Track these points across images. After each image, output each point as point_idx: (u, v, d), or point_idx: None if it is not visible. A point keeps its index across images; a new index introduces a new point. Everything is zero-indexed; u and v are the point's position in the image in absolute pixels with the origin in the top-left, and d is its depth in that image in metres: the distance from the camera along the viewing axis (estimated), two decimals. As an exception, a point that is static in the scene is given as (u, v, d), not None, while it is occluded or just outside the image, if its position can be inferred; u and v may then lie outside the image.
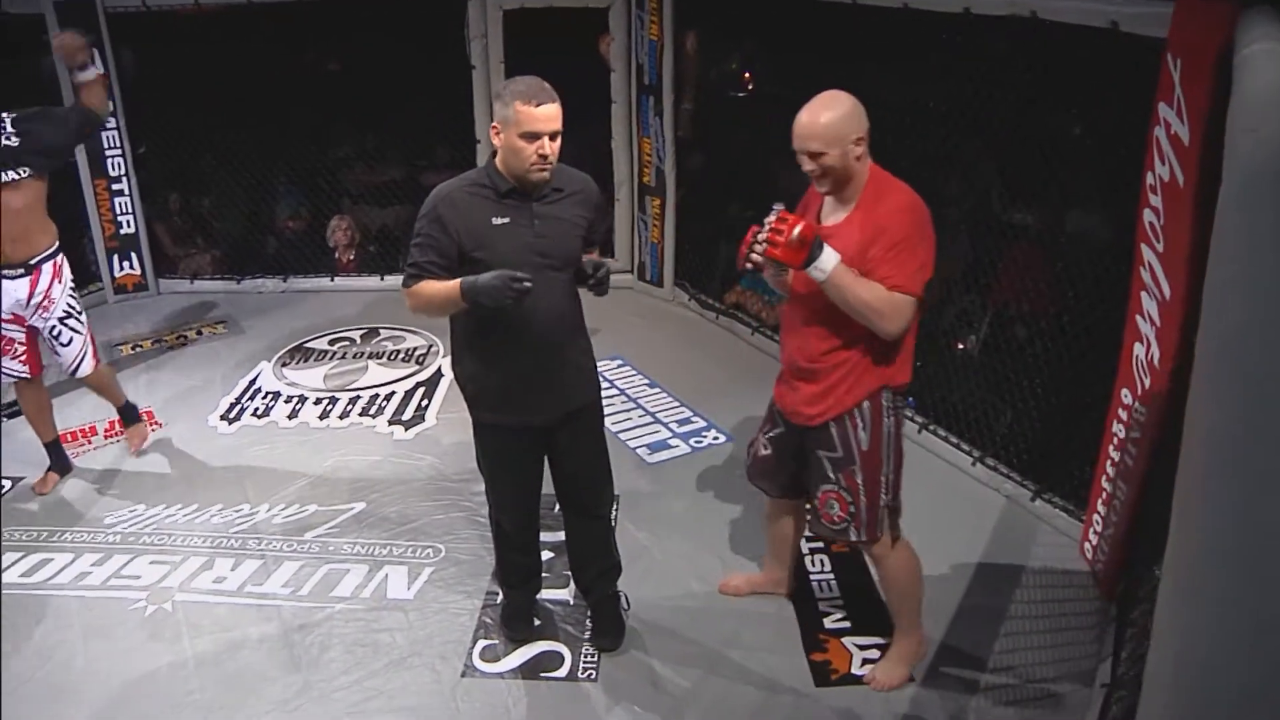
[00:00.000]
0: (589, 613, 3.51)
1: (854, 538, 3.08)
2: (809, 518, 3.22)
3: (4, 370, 4.36)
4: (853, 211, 2.81)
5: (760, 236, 2.79)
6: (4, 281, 4.20)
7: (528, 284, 2.72)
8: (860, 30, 4.54)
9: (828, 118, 2.74)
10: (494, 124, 2.88)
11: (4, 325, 4.28)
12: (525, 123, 2.79)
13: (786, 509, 3.45)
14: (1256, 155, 1.41)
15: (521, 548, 3.42)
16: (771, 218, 2.78)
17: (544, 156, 2.82)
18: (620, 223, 6.55)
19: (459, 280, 2.81)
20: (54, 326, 4.37)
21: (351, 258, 6.84)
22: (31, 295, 4.27)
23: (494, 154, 2.94)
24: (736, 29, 5.73)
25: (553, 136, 2.83)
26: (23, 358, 4.36)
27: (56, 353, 4.43)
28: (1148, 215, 3.18)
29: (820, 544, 3.88)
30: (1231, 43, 2.57)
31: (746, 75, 6.07)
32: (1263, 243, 1.12)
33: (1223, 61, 2.63)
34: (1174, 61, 2.98)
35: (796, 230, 2.70)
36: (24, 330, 4.33)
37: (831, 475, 3.03)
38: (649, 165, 6.20)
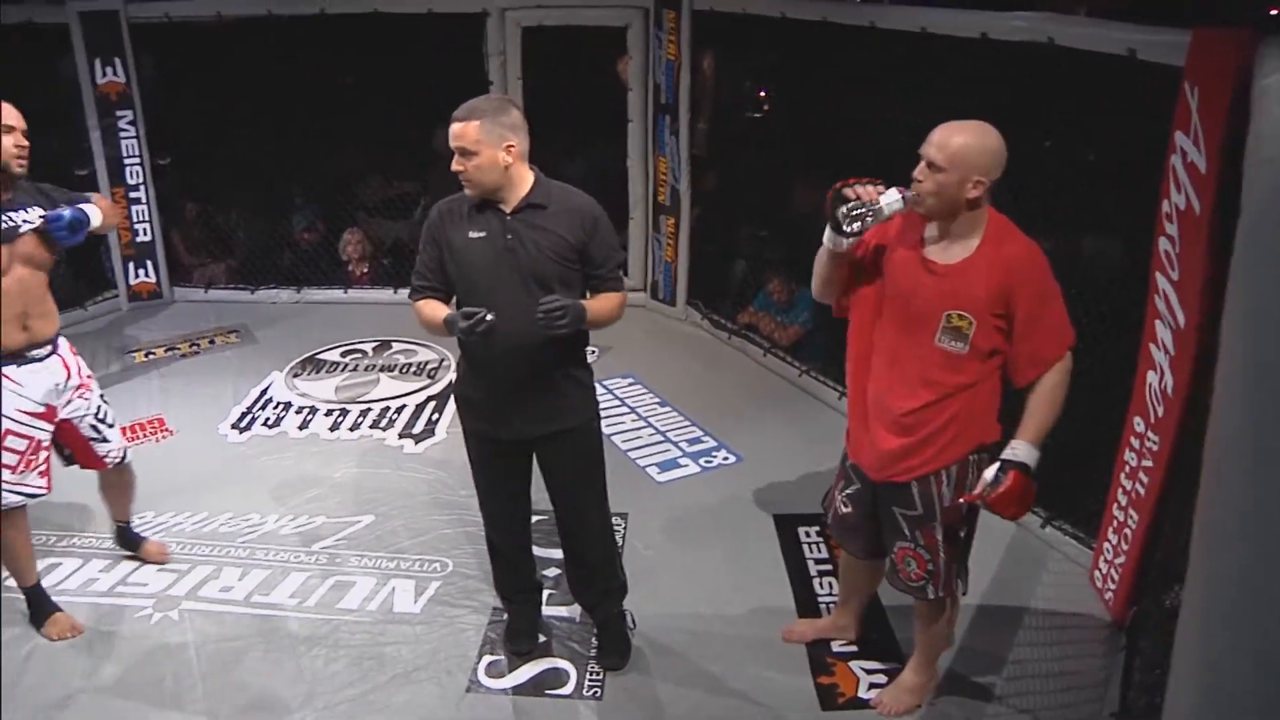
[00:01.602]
0: (595, 631, 3.51)
1: (931, 595, 2.98)
2: (886, 570, 3.08)
3: (9, 492, 3.36)
4: (975, 253, 2.67)
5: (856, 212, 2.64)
6: (32, 367, 3.37)
7: (488, 319, 2.76)
8: (877, 53, 4.56)
9: (964, 141, 2.60)
10: None
11: (20, 426, 3.36)
12: (449, 140, 2.88)
13: (866, 563, 3.27)
14: (1275, 185, 1.41)
15: (510, 560, 3.43)
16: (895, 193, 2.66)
17: (457, 172, 2.88)
18: (634, 241, 6.57)
19: (447, 312, 2.94)
20: (100, 407, 3.61)
21: (365, 270, 6.87)
22: (69, 375, 3.49)
23: None
24: (753, 50, 5.75)
25: (461, 153, 2.85)
26: (43, 467, 3.45)
27: (105, 439, 3.64)
28: (1163, 243, 3.17)
29: (828, 566, 3.88)
30: (1249, 72, 2.58)
31: (761, 94, 6.11)
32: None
33: (1240, 90, 2.64)
34: (1191, 90, 2.98)
35: (1018, 487, 2.64)
36: (51, 428, 3.46)
37: (908, 533, 2.91)
38: (664, 184, 6.22)
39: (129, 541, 4.00)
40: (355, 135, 6.81)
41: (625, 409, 5.23)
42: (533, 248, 2.91)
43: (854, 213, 2.65)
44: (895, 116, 4.33)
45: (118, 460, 3.72)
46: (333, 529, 4.19)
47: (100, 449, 3.64)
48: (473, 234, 2.92)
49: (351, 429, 5.10)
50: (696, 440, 4.92)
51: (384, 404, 5.35)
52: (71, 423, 3.53)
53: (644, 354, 5.87)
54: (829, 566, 3.88)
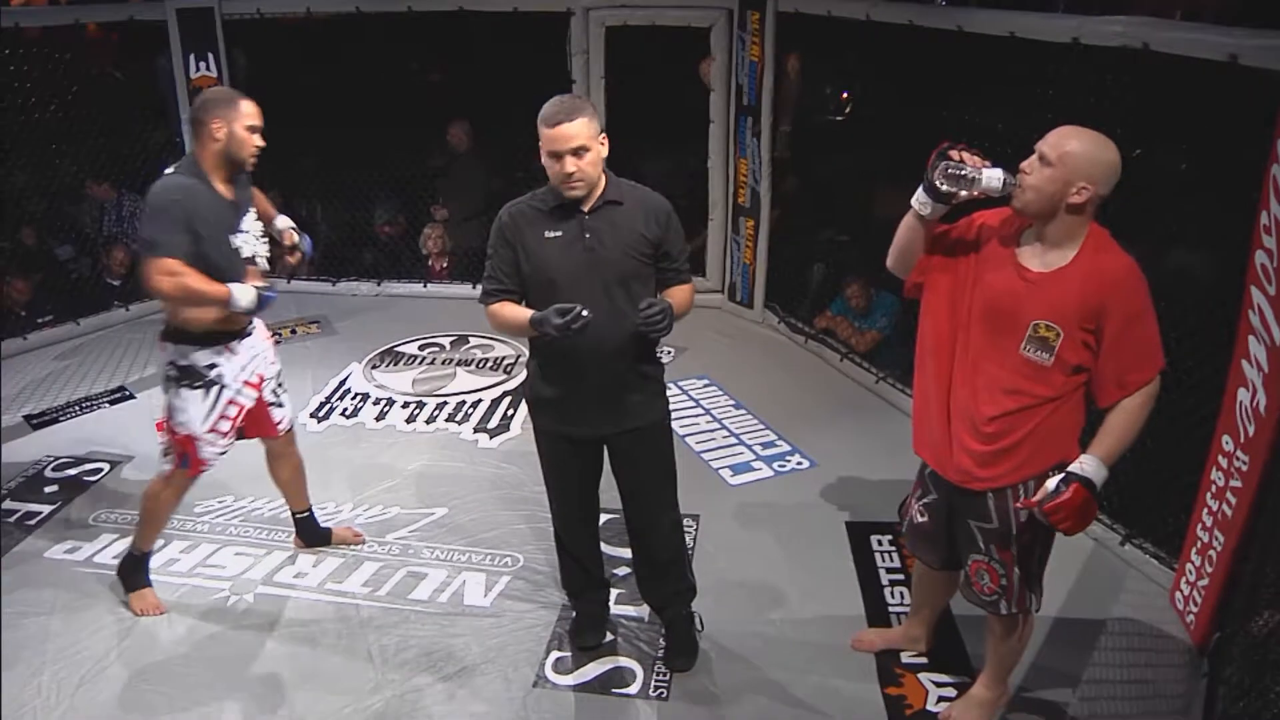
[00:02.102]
0: (663, 632, 3.51)
1: (1004, 611, 2.91)
2: (960, 583, 3.03)
3: (208, 455, 3.59)
4: (1070, 264, 2.60)
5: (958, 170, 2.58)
6: (247, 341, 3.58)
7: (585, 315, 2.76)
8: (964, 57, 4.49)
9: (1080, 145, 2.53)
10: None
11: (239, 396, 3.57)
12: (546, 143, 2.85)
13: (940, 574, 3.22)
14: None
15: (579, 558, 3.44)
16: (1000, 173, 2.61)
17: (569, 174, 2.85)
18: (713, 243, 6.56)
19: (531, 312, 2.90)
20: (279, 371, 3.78)
21: (444, 265, 6.96)
22: (266, 342, 3.73)
23: None
24: (838, 53, 5.71)
25: (575, 153, 2.83)
26: (231, 433, 3.63)
27: (281, 404, 3.79)
28: (1260, 257, 3.08)
29: (899, 576, 3.83)
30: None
31: (844, 95, 6.06)
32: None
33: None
34: (1295, 99, 2.89)
35: (1077, 500, 2.56)
36: (256, 395, 3.66)
37: (983, 546, 2.86)
38: (744, 186, 6.20)
39: (314, 535, 4.07)
40: (439, 131, 6.91)
41: (700, 410, 5.22)
42: (612, 245, 2.93)
43: (950, 172, 2.60)
44: (981, 122, 4.26)
45: (288, 428, 3.86)
46: (406, 520, 4.25)
47: (276, 414, 3.77)
48: (549, 234, 2.93)
49: (427, 422, 5.17)
50: (770, 444, 4.90)
51: (460, 398, 5.42)
52: (259, 388, 3.67)
53: (719, 356, 5.85)
54: (901, 576, 3.83)
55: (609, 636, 3.54)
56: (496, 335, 6.08)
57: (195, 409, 3.50)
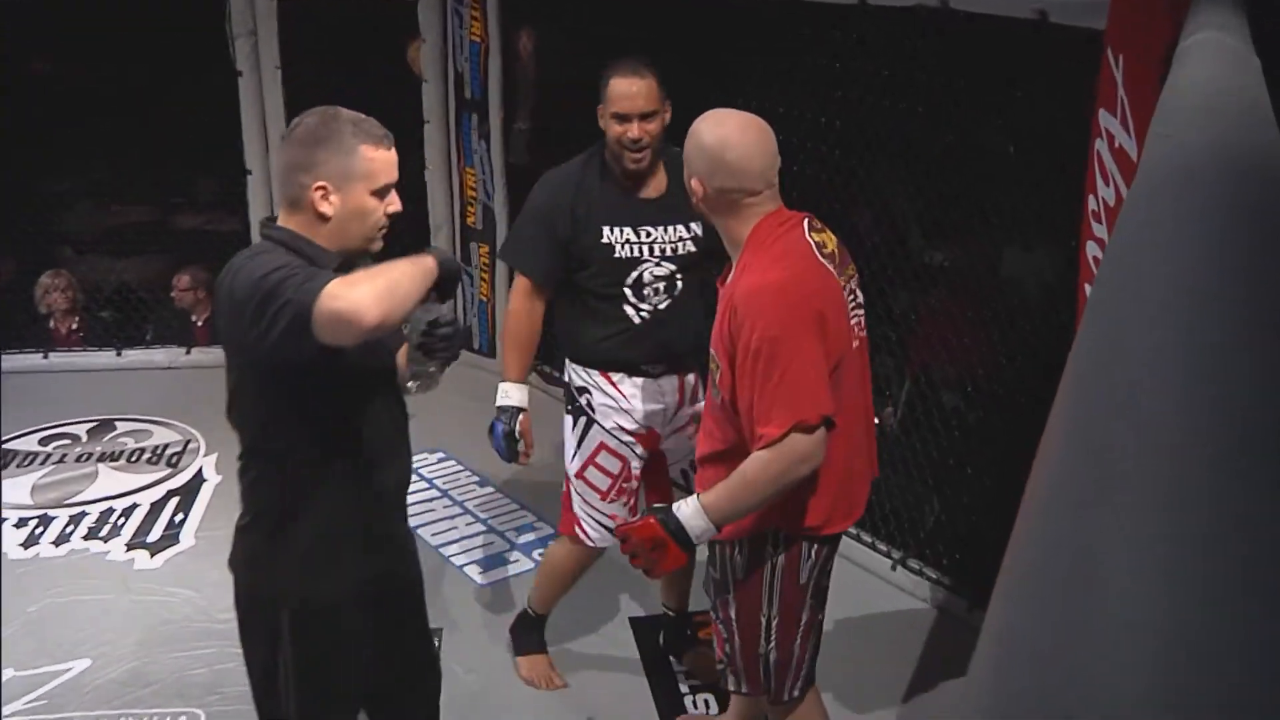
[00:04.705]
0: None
1: (731, 686, 3.00)
2: None
3: (583, 515, 3.72)
4: (729, 281, 2.72)
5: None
6: (641, 380, 3.59)
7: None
8: (735, 27, 4.70)
9: (688, 137, 2.73)
10: (320, 183, 2.67)
11: (616, 444, 3.64)
12: (382, 175, 2.75)
13: None
14: (1164, 162, 1.48)
15: None
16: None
17: (390, 216, 2.78)
18: (438, 276, 6.56)
19: (430, 251, 2.73)
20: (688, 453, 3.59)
21: (74, 326, 6.68)
22: (681, 402, 3.66)
23: (271, 219, 2.80)
24: (583, 25, 5.85)
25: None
26: (631, 502, 3.71)
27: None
28: (1091, 249, 3.31)
29: (699, 680, 3.91)
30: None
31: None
32: (1152, 258, 1.17)
33: (1171, 57, 2.80)
34: (1115, 59, 3.14)
35: (643, 535, 2.68)
36: (646, 455, 3.70)
37: (711, 598, 2.96)
38: (474, 202, 6.25)
39: (679, 640, 4.08)
40: (56, 145, 6.62)
41: (435, 493, 5.25)
42: None
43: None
44: (761, 106, 4.46)
45: None
46: (28, 685, 4.00)
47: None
48: None
49: (57, 543, 4.95)
50: (527, 528, 4.96)
51: (105, 505, 5.22)
52: (662, 463, 3.80)
53: (457, 421, 5.79)
54: (700, 680, 3.92)
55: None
56: (154, 417, 5.94)
57: (569, 439, 3.72)
